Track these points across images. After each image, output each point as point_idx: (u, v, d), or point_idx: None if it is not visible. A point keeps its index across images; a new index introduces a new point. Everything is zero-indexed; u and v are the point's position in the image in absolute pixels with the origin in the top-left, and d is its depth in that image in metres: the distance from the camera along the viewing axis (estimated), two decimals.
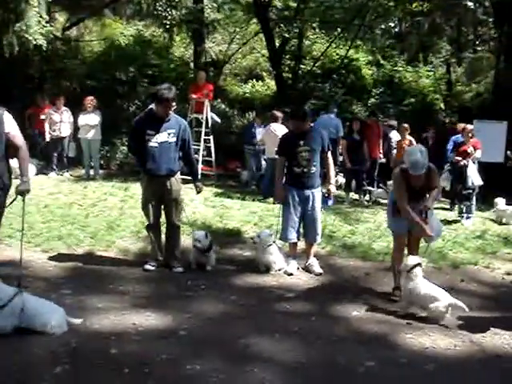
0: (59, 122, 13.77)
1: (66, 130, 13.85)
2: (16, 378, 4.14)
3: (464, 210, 11.21)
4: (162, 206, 7.00)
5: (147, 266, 6.93)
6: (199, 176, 7.61)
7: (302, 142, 7.16)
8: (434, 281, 6.30)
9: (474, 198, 11.47)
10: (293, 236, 7.31)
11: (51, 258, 7.15)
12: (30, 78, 17.50)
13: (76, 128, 13.73)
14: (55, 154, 13.83)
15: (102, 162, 14.65)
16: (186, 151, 6.96)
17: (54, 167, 13.77)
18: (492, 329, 5.67)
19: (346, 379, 4.47)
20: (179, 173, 7.00)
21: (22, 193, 5.37)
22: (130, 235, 8.33)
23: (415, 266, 6.00)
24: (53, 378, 4.16)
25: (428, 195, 6.41)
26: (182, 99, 14.12)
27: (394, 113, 17.33)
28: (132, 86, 17.36)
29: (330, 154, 7.48)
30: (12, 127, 5.13)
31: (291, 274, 7.13)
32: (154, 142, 6.68)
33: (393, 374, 4.63)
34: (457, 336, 5.48)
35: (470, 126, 11.62)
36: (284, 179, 7.35)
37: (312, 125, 7.72)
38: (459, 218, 11.19)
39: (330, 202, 9.84)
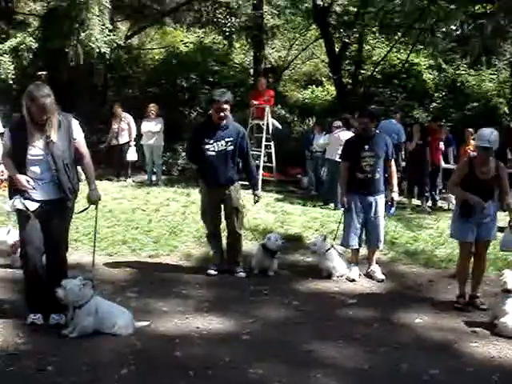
0: (118, 129, 14.05)
1: (124, 137, 14.08)
2: (85, 377, 4.26)
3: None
4: (223, 214, 6.99)
5: (210, 271, 7.01)
6: (259, 184, 7.57)
7: (366, 147, 7.07)
8: (495, 288, 6.19)
9: None
10: (354, 242, 7.25)
11: (116, 262, 7.31)
12: (94, 87, 17.94)
13: (139, 135, 14.00)
14: (116, 161, 14.15)
15: (164, 167, 14.88)
16: (244, 159, 6.85)
17: (117, 173, 14.07)
18: None
19: None
20: (239, 180, 6.99)
21: (95, 201, 5.45)
22: (193, 240, 8.44)
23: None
24: (120, 379, 4.27)
25: (499, 197, 6.24)
26: (243, 105, 14.26)
27: (456, 117, 17.02)
28: (193, 93, 17.62)
29: (393, 161, 7.41)
30: (79, 134, 5.27)
31: (353, 280, 7.09)
32: (211, 151, 6.62)
33: (458, 382, 4.56)
34: None
35: None
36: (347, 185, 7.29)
37: (376, 130, 7.57)
38: None
39: (393, 210, 9.71)
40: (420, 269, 7.77)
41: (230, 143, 6.62)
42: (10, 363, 4.43)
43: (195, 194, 11.05)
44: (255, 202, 7.25)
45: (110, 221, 9.38)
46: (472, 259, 6.45)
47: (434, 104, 18.27)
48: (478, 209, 6.07)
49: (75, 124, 5.24)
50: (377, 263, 7.41)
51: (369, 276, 7.27)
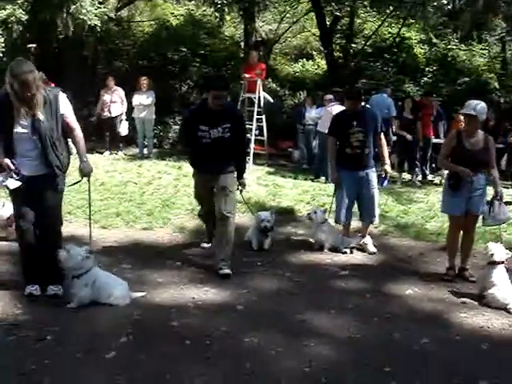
0: (110, 101, 13.98)
1: (116, 110, 14.02)
2: (84, 347, 4.33)
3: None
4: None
5: (203, 244, 7.07)
6: (246, 169, 6.85)
7: (355, 123, 7.06)
8: (483, 260, 6.30)
9: None
10: (345, 218, 7.29)
11: (110, 234, 7.38)
12: (84, 60, 17.80)
13: (130, 108, 13.97)
14: (108, 134, 14.12)
15: (155, 141, 14.87)
16: (238, 142, 6.29)
17: (108, 146, 14.06)
18: None
19: (401, 355, 4.53)
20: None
21: (87, 174, 5.40)
22: (186, 213, 8.52)
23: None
24: (118, 347, 4.35)
25: (488, 174, 6.34)
26: (234, 78, 14.22)
27: (447, 92, 17.06)
28: (183, 66, 17.49)
29: (382, 134, 7.41)
30: (67, 108, 5.22)
31: (345, 253, 7.18)
32: (207, 139, 6.11)
33: (448, 351, 4.66)
34: None
35: None
36: (336, 160, 7.30)
37: (365, 105, 7.64)
38: None
39: (385, 183, 9.76)
40: (411, 242, 7.89)
41: (227, 130, 6.12)
42: (10, 333, 4.50)
43: (187, 167, 11.04)
44: (240, 192, 6.61)
45: (102, 194, 9.42)
46: (461, 233, 6.56)
47: (425, 78, 18.26)
48: (466, 181, 6.18)
49: (62, 98, 5.16)
50: (369, 235, 7.50)
51: (361, 249, 7.36)
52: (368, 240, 7.40)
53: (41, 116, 4.98)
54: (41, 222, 5.22)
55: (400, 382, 4.08)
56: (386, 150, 7.51)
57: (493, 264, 5.90)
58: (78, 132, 5.33)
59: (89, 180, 5.48)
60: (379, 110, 8.39)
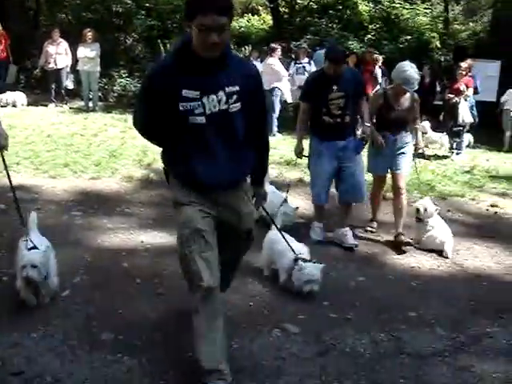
0: (55, 53, 13.82)
1: (61, 62, 13.89)
2: None
3: (454, 146, 11.61)
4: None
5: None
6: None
7: (335, 87, 5.81)
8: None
9: (467, 135, 11.93)
10: (324, 197, 6.16)
11: (59, 184, 7.47)
12: (26, 11, 17.42)
13: (75, 60, 13.84)
14: (53, 86, 13.98)
15: (100, 94, 14.79)
16: (255, 121, 3.51)
17: (53, 99, 13.94)
18: (473, 252, 6.14)
19: (339, 291, 4.89)
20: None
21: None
22: (133, 163, 8.67)
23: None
24: (73, 287, 4.56)
25: (409, 127, 6.29)
26: (180, 32, 14.21)
27: (390, 49, 17.40)
28: (128, 19, 17.31)
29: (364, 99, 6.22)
30: None
31: (319, 242, 6.07)
32: (198, 116, 3.25)
33: (381, 288, 5.05)
34: (441, 258, 5.92)
35: (463, 65, 11.78)
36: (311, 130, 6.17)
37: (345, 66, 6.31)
38: (449, 154, 11.59)
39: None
40: None
41: (234, 96, 3.30)
42: None
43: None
44: (257, 208, 3.96)
45: (49, 145, 9.49)
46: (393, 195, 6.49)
47: (369, 36, 18.55)
48: (390, 140, 6.14)
49: None
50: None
51: (338, 240, 6.15)
52: (348, 230, 6.17)
53: None
54: None
55: (336, 313, 4.45)
56: (367, 112, 6.13)
57: (418, 221, 6.20)
58: None
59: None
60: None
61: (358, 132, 6.50)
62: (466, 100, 11.60)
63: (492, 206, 8.02)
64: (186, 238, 3.31)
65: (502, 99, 13.38)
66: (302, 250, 4.90)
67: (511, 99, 13.13)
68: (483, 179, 9.61)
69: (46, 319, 4.02)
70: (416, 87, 6.01)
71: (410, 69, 5.94)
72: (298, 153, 6.16)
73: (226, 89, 3.25)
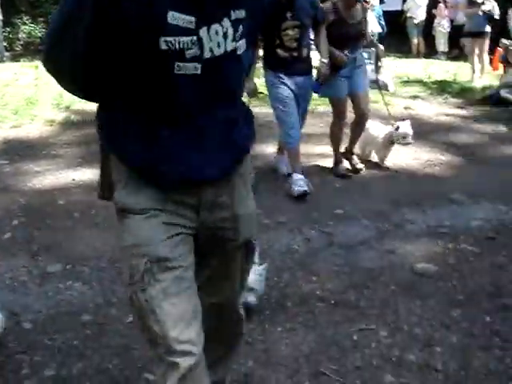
0: None
1: None
2: None
3: (366, 57, 11.91)
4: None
5: None
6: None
7: (289, 15, 5.07)
8: None
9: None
10: (298, 138, 5.41)
11: None
12: None
13: None
14: None
15: (5, 43, 14.32)
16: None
17: None
18: (393, 151, 6.45)
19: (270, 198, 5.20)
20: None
21: None
22: (51, 108, 8.58)
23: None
24: (13, 229, 4.64)
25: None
26: None
27: None
28: None
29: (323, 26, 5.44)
30: None
31: (305, 193, 5.26)
32: (189, 62, 1.70)
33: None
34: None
35: None
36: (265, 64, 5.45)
37: None
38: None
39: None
40: None
41: (240, 28, 1.79)
42: None
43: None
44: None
45: None
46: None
47: None
48: (350, 59, 5.57)
49: None
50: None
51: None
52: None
53: None
54: None
55: (270, 219, 4.75)
56: (325, 43, 5.42)
57: (390, 144, 6.12)
58: None
59: None
60: None
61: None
62: (372, 11, 11.85)
63: (405, 108, 8.44)
64: (141, 274, 1.83)
65: (405, 7, 13.75)
66: None
67: (414, 7, 13.51)
68: (395, 85, 10.00)
69: None
70: None
71: None
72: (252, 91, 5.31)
73: (232, 13, 1.76)
